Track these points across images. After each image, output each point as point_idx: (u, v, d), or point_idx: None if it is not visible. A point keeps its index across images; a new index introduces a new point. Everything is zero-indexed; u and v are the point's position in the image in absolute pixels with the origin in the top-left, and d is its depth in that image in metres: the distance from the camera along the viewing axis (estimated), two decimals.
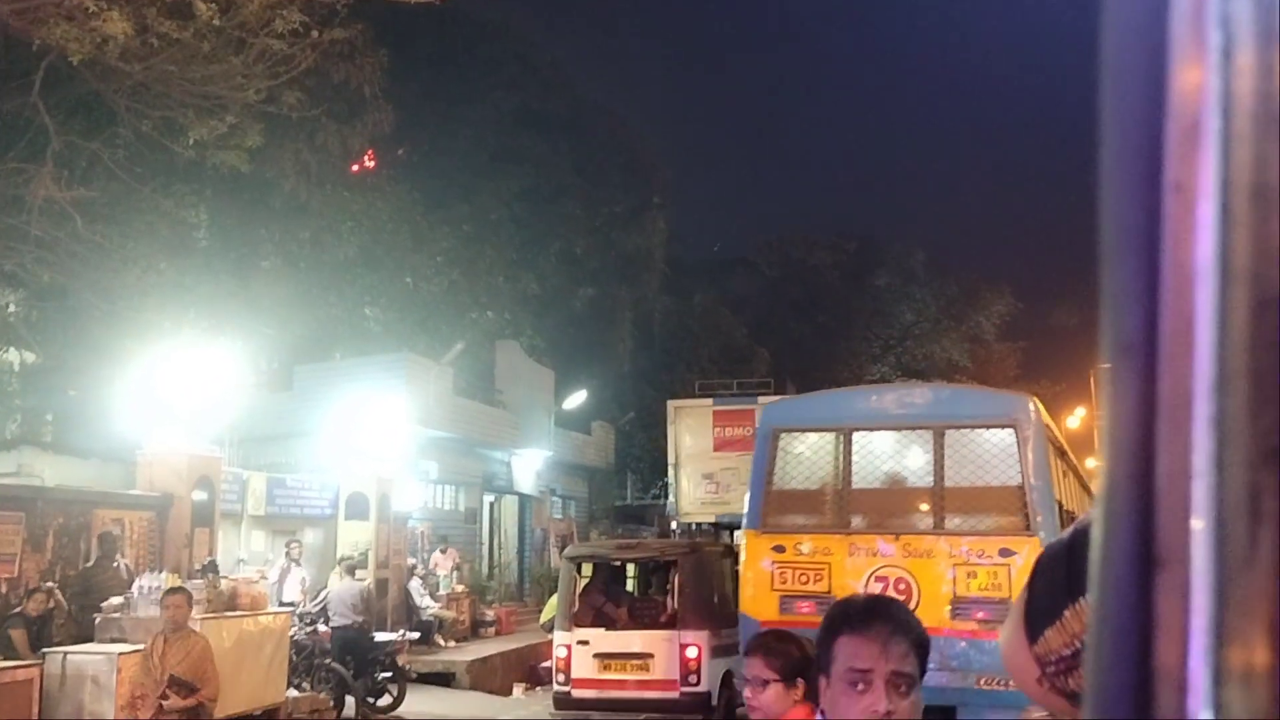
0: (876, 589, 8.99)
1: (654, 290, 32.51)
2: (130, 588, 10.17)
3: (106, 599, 10.01)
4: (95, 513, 11.10)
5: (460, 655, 16.90)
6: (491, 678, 16.71)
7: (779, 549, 9.83)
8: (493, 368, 23.82)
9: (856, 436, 9.88)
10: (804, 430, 10.28)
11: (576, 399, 26.58)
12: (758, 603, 9.99)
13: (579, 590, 12.92)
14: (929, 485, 9.62)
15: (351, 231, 22.25)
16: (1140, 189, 0.46)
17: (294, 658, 13.24)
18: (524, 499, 24.82)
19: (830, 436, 9.99)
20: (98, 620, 9.91)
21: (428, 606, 17.85)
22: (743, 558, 10.42)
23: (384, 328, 22.37)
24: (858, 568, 9.45)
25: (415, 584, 17.87)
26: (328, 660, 13.02)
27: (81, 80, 11.42)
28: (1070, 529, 0.83)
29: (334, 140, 14.53)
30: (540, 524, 25.41)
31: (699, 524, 28.75)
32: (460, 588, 19.59)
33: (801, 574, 9.65)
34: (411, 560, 18.49)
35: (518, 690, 16.65)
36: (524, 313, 25.90)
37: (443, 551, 19.81)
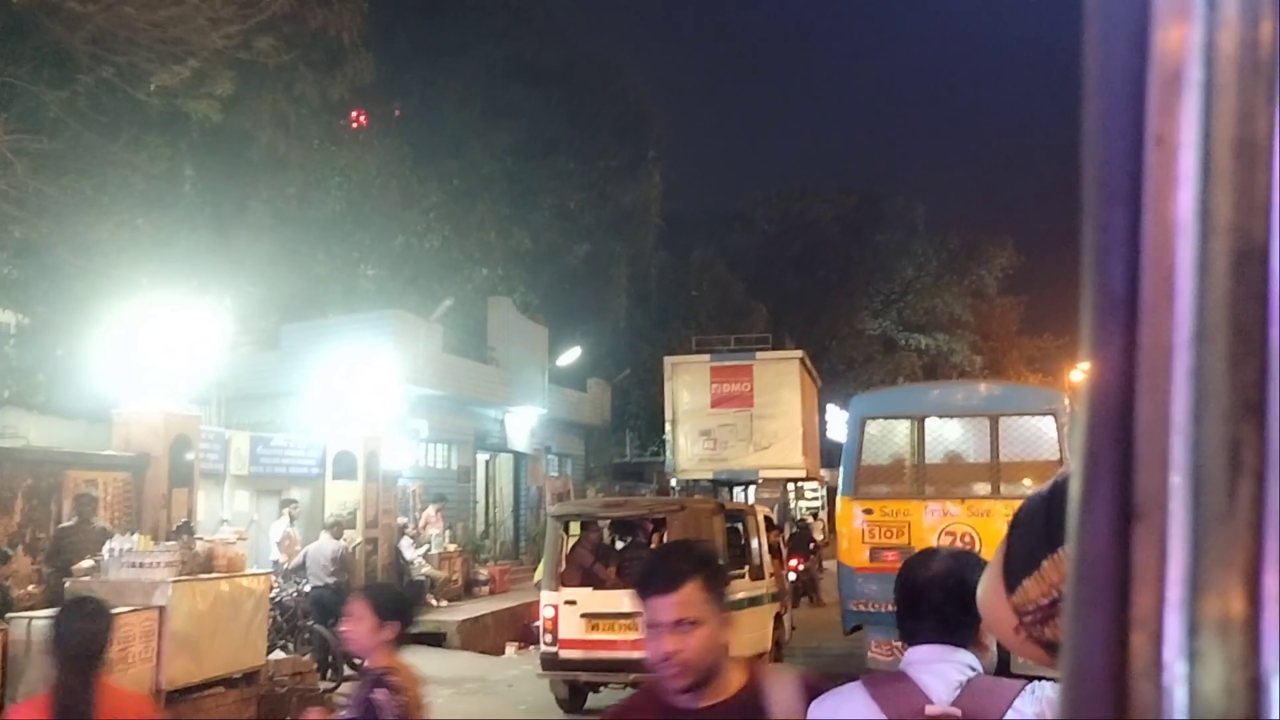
0: (946, 541, 11.10)
1: (650, 246, 32.13)
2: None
3: (76, 560, 9.77)
4: (67, 474, 10.82)
5: (452, 615, 16.71)
6: (483, 637, 16.53)
7: (868, 511, 12.10)
8: (485, 325, 23.47)
9: (928, 422, 12.25)
10: (886, 418, 12.68)
11: (571, 356, 26.27)
12: (851, 554, 12.31)
13: (567, 549, 12.73)
14: (987, 461, 11.79)
15: (339, 187, 21.88)
16: (1122, 141, 0.46)
17: (278, 619, 13.05)
18: (519, 457, 24.58)
19: (907, 423, 12.34)
20: (67, 584, 9.66)
21: (419, 565, 17.64)
22: (839, 518, 12.94)
23: (375, 285, 22.03)
24: (932, 525, 11.66)
25: (405, 543, 17.66)
26: (309, 621, 12.82)
27: (44, 29, 11.01)
28: (1049, 482, 0.84)
29: (312, 91, 14.10)
30: (535, 482, 25.19)
31: (697, 480, 28.64)
32: (452, 547, 19.39)
33: (886, 530, 11.94)
34: (402, 519, 18.26)
35: (510, 650, 16.48)
36: (517, 269, 25.54)
37: (437, 510, 19.55)
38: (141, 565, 9.77)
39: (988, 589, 0.90)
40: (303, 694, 11.05)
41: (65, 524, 10.10)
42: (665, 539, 12.21)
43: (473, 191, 24.56)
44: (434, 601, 17.62)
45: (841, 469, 12.96)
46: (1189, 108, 0.44)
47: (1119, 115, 0.46)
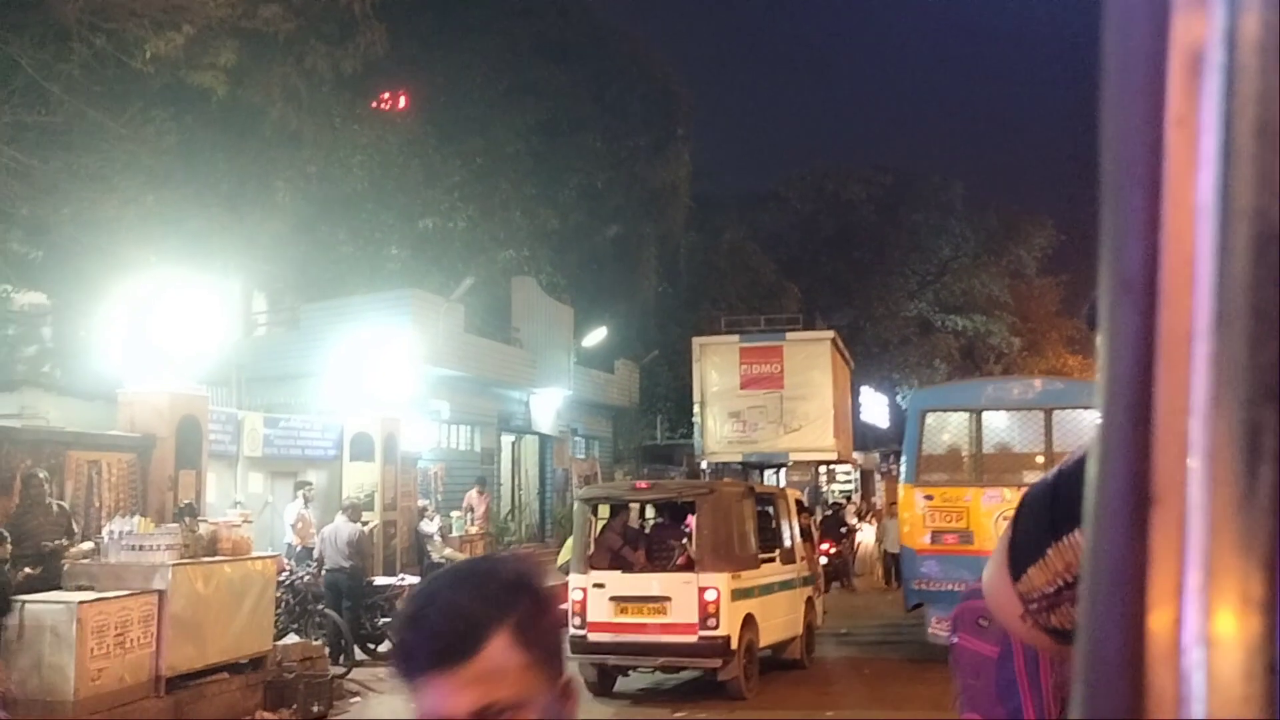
0: (1003, 525, 11.76)
1: (679, 226, 31.62)
2: (70, 531, 9.69)
3: (39, 544, 9.50)
4: (68, 454, 10.58)
5: None
6: None
7: (929, 497, 12.81)
8: (508, 305, 23.13)
9: (985, 415, 13.05)
10: (945, 411, 13.56)
11: (597, 336, 25.88)
12: (914, 537, 13.06)
13: (595, 532, 12.50)
14: (1041, 450, 12.52)
15: (361, 166, 21.58)
16: (1142, 123, 0.45)
17: (290, 602, 12.81)
18: (545, 439, 24.26)
19: (965, 415, 13.11)
20: (65, 567, 9.42)
21: (438, 546, 17.35)
22: (901, 504, 13.73)
23: (400, 266, 21.75)
24: (989, 509, 12.30)
25: (425, 525, 17.38)
26: (320, 605, 12.56)
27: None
28: (1053, 470, 0.85)
29: (324, 63, 13.73)
30: (562, 464, 24.87)
31: (727, 463, 28.22)
32: (474, 529, 19.10)
33: (946, 515, 12.63)
34: (423, 501, 17.99)
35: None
36: (543, 249, 25.16)
37: (480, 493, 19.24)
38: (141, 548, 9.52)
39: (993, 576, 0.90)
40: (310, 680, 10.77)
41: (20, 507, 9.79)
42: (697, 523, 11.97)
43: (497, 171, 24.19)
44: None
45: (904, 458, 13.86)
46: (1210, 90, 0.43)
47: (1139, 97, 0.45)
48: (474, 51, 26.14)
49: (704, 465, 28.76)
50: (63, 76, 11.82)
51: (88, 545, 9.65)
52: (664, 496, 13.23)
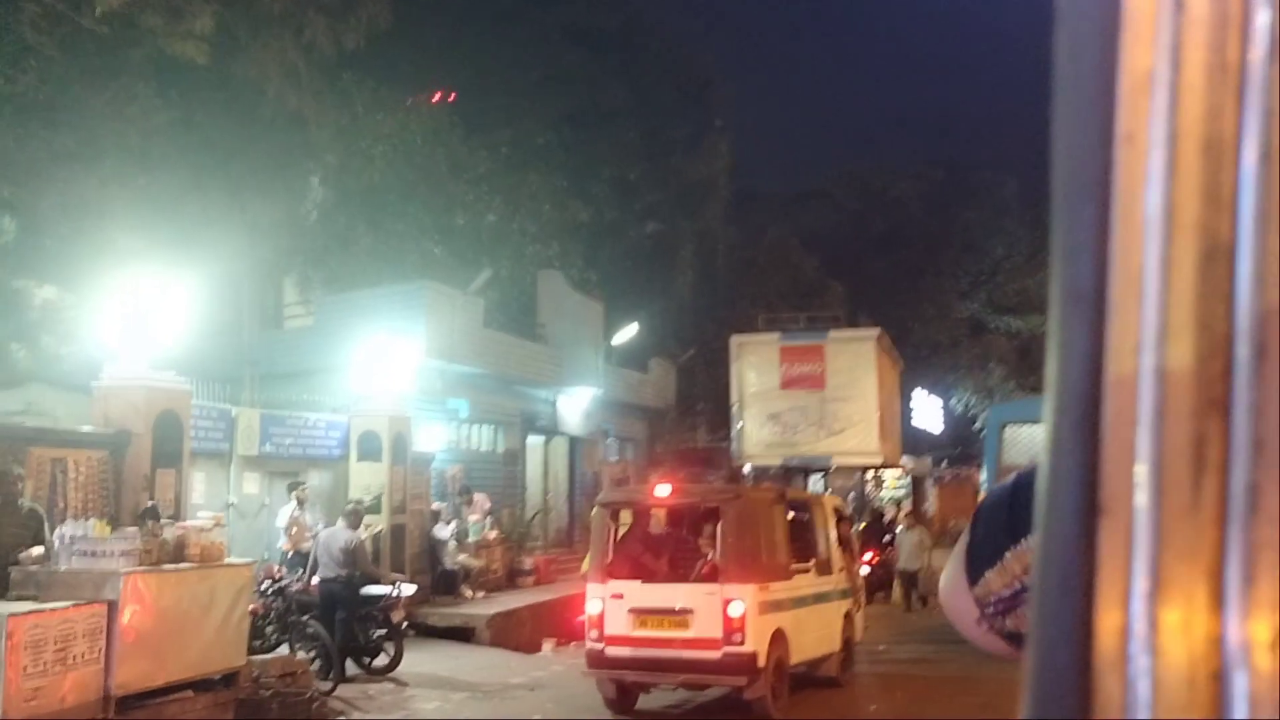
0: None
1: (717, 221, 30.51)
2: (39, 535, 8.84)
3: (4, 549, 8.67)
4: (31, 451, 9.75)
5: (485, 608, 15.46)
6: (518, 632, 15.26)
7: None
8: (534, 300, 22.16)
9: None
10: (1022, 424, 14.17)
11: (627, 333, 24.82)
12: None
13: (616, 539, 11.61)
14: None
15: (383, 156, 20.79)
16: (1092, 139, 0.46)
17: (280, 611, 11.94)
18: (574, 440, 23.26)
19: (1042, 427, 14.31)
20: (12, 574, 8.58)
21: (453, 553, 16.43)
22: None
23: (419, 258, 20.90)
24: None
25: (439, 530, 16.46)
26: (307, 616, 11.65)
27: None
28: (1012, 475, 0.87)
29: (323, 37, 12.88)
30: (592, 467, 23.86)
31: (768, 467, 27.08)
32: (493, 534, 18.14)
33: None
34: (438, 504, 17.08)
35: (547, 646, 15.18)
36: (573, 243, 24.18)
37: (466, 503, 18.16)
38: (94, 554, 8.65)
39: (950, 581, 0.91)
40: (287, 698, 9.86)
41: None
42: (721, 531, 11.05)
43: (526, 162, 23.28)
44: (468, 593, 16.42)
45: (984, 469, 14.85)
46: (1159, 107, 0.44)
47: (1090, 112, 0.46)
48: (503, 40, 25.28)
49: (746, 469, 27.70)
50: (38, 49, 11.06)
51: (37, 551, 8.79)
52: (686, 502, 12.31)
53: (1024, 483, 0.81)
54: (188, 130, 13.45)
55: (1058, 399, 0.47)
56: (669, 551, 11.72)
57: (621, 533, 11.92)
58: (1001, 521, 0.84)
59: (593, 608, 11.13)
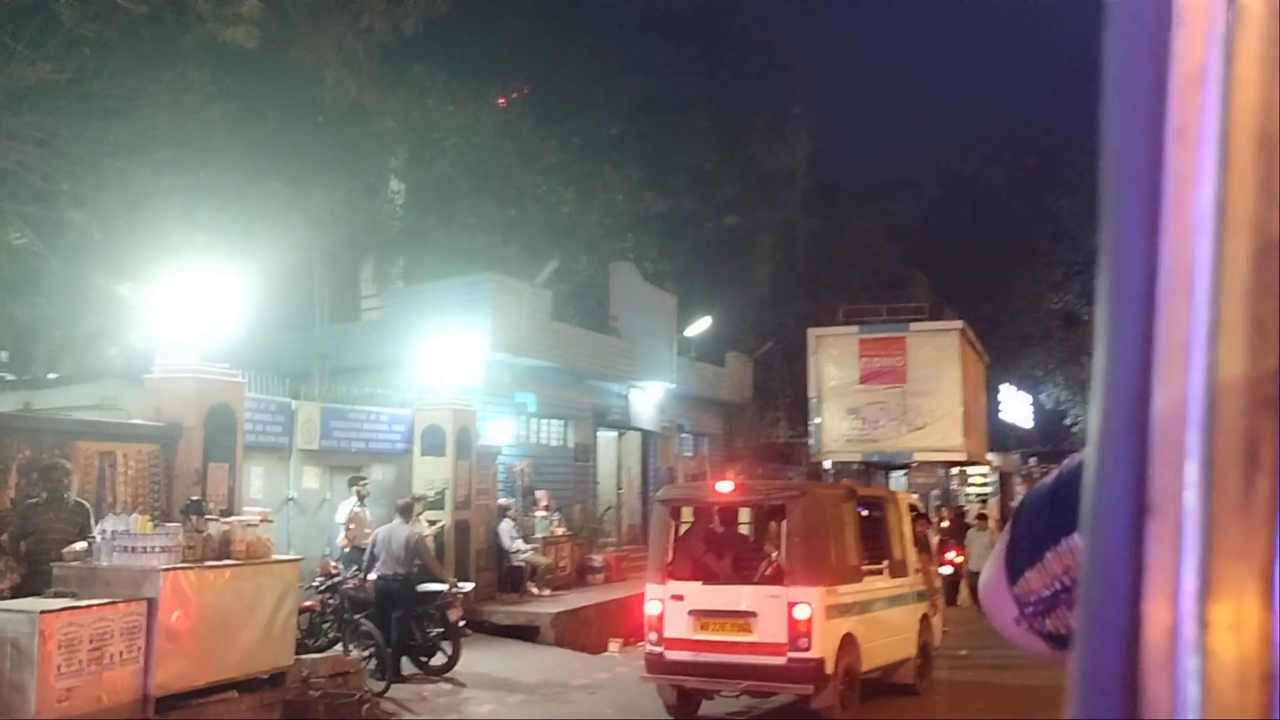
0: None
1: (796, 210, 29.78)
2: (86, 530, 8.67)
3: (50, 544, 8.51)
4: (76, 445, 9.62)
5: (550, 607, 15.11)
6: (583, 632, 14.88)
7: None
8: (606, 292, 21.74)
9: None
10: None
11: (700, 326, 24.27)
12: None
13: (678, 537, 11.18)
14: None
15: (454, 147, 20.60)
16: (1143, 134, 0.46)
17: (332, 610, 11.72)
18: (647, 435, 22.82)
19: None
20: (55, 571, 8.42)
21: (518, 551, 16.12)
22: None
23: (491, 251, 20.65)
24: None
25: (506, 526, 16.16)
26: (359, 615, 11.38)
27: None
28: (1054, 473, 0.84)
29: (381, 21, 12.60)
30: (666, 462, 23.39)
31: (846, 463, 26.38)
32: (561, 530, 17.79)
33: None
34: (506, 500, 16.77)
35: (613, 646, 14.77)
36: (648, 235, 23.73)
37: (533, 501, 17.84)
38: (134, 550, 8.44)
39: (990, 578, 0.90)
40: (335, 699, 9.59)
41: (33, 500, 8.84)
42: (787, 530, 10.54)
43: (599, 153, 22.90)
44: (535, 590, 16.09)
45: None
46: (1210, 101, 0.43)
47: (1141, 107, 0.45)
48: (578, 29, 24.91)
49: (826, 465, 27.00)
50: (95, 37, 10.96)
51: (80, 546, 8.62)
52: (750, 498, 11.79)
53: (1066, 480, 0.79)
54: (249, 122, 13.29)
55: (1106, 397, 0.46)
56: (732, 551, 11.23)
57: (684, 531, 11.46)
58: (1043, 520, 0.83)
59: (652, 609, 10.72)
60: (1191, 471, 0.43)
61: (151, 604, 8.23)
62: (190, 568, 8.64)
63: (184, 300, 10.71)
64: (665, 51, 25.88)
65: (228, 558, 9.14)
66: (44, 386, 15.84)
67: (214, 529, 9.16)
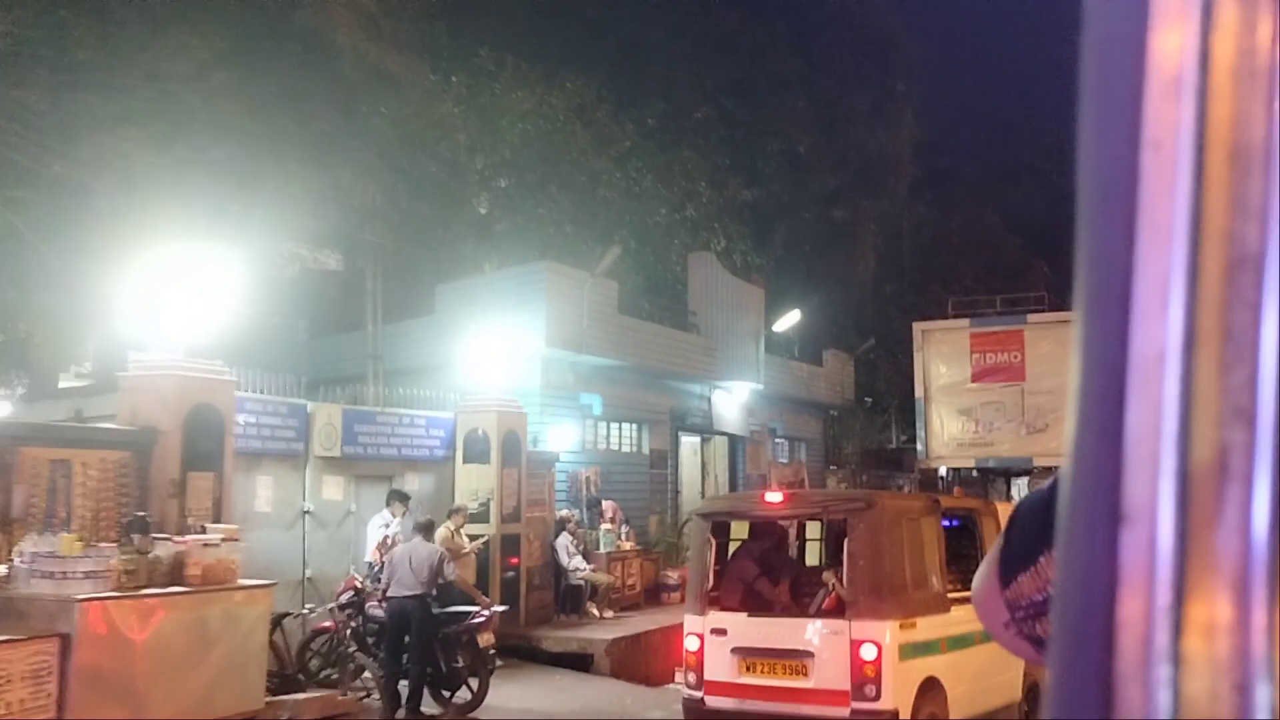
0: None
1: (901, 198, 27.63)
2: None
3: None
4: (20, 452, 8.40)
5: (606, 632, 13.49)
6: (643, 660, 13.22)
7: None
8: (685, 285, 20.05)
9: None
10: None
11: (788, 320, 22.35)
12: None
13: (717, 560, 9.47)
14: None
15: (520, 134, 19.27)
16: (1118, 145, 0.46)
17: (352, 631, 10.28)
18: (735, 440, 21.04)
19: None
20: None
21: (577, 569, 14.57)
22: None
23: (562, 240, 19.24)
24: None
25: (564, 540, 14.62)
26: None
27: None
28: (1052, 478, 0.82)
29: None
30: (758, 468, 21.56)
31: (958, 470, 24.22)
32: (629, 545, 16.16)
33: None
34: (567, 511, 15.24)
35: (680, 677, 13.05)
36: (734, 224, 21.99)
37: (600, 513, 16.26)
38: (56, 576, 7.15)
39: (982, 581, 0.89)
40: None
41: None
42: (849, 550, 8.69)
43: (679, 137, 21.28)
44: (595, 611, 14.52)
45: None
46: (1186, 114, 0.44)
47: (1116, 119, 0.45)
48: (658, 7, 23.35)
49: (941, 472, 24.84)
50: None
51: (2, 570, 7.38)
52: (804, 511, 10.01)
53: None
54: (264, 92, 12.05)
55: (1081, 407, 0.46)
56: (784, 576, 9.42)
57: (730, 551, 9.73)
58: (1039, 524, 0.81)
59: (690, 644, 9.02)
60: (1165, 482, 0.43)
61: (65, 640, 6.91)
62: (122, 597, 7.31)
63: (170, 290, 9.48)
64: (755, 29, 24.11)
65: (180, 584, 7.81)
66: (97, 393, 14.95)
67: (163, 550, 7.83)
